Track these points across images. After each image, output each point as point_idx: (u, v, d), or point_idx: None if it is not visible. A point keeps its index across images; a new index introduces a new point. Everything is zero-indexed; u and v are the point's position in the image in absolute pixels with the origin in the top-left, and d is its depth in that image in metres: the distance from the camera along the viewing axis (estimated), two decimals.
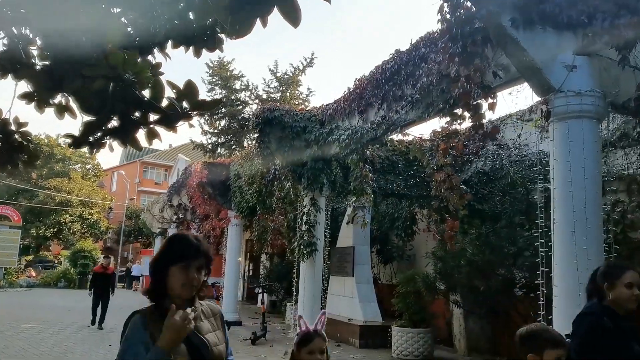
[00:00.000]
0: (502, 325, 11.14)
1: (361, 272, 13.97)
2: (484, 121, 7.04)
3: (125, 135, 3.09)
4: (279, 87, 36.44)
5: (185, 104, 2.79)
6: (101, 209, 46.48)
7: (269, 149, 10.68)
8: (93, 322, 14.30)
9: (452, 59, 5.08)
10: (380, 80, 8.39)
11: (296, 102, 36.64)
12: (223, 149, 36.68)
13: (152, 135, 3.02)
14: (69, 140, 3.24)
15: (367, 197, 8.61)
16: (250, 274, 25.56)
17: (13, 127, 5.18)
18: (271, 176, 12.67)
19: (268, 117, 10.45)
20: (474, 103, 5.00)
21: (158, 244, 32.93)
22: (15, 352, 10.08)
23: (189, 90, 2.73)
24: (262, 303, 13.31)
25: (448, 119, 6.74)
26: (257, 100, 36.32)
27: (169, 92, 2.85)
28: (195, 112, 2.81)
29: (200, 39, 3.28)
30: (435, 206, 9.58)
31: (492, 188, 11.40)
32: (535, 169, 9.72)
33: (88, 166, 49.73)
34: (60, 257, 41.54)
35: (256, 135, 10.81)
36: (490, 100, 5.01)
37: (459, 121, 6.55)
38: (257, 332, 12.59)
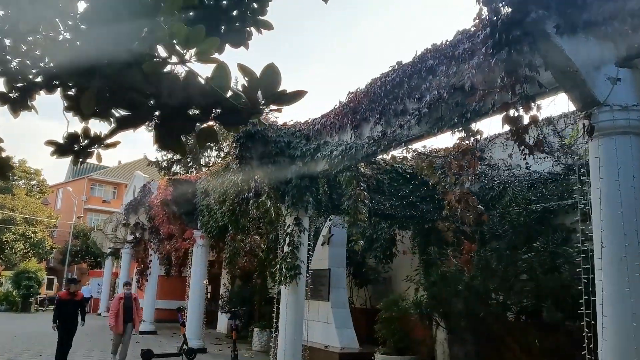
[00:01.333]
0: (488, 350, 10.78)
1: (337, 296, 13.38)
2: (478, 138, 6.69)
3: (170, 135, 2.44)
4: None
5: (259, 95, 2.19)
6: (46, 228, 44.09)
7: (249, 165, 10.04)
8: None
9: (494, 65, 4.66)
10: (378, 94, 7.94)
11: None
12: (179, 167, 35.55)
13: (208, 137, 2.39)
14: (51, 149, 2.63)
15: (363, 217, 8.09)
16: (208, 296, 24.50)
17: None
18: (246, 194, 11.98)
19: (250, 131, 9.83)
20: (516, 115, 4.57)
21: (108, 264, 31.32)
22: None
23: (270, 77, 2.13)
24: (233, 329, 12.49)
25: (460, 134, 6.34)
26: None
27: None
28: (273, 107, 2.20)
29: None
30: (447, 228, 9.16)
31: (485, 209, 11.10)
32: (532, 189, 9.50)
33: (33, 182, 47.30)
34: (0, 277, 39.03)
35: (235, 150, 10.13)
36: (533, 112, 4.60)
37: (474, 137, 6.15)
38: None
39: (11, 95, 5.05)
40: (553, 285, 7.87)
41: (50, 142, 4.74)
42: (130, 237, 23.31)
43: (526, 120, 4.59)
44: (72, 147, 5.26)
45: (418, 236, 11.95)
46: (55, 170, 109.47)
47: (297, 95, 2.27)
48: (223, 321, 21.25)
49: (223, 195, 13.49)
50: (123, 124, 2.46)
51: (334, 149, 8.74)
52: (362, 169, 8.92)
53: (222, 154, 35.36)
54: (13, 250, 40.46)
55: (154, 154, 36.99)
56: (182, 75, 2.13)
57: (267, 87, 2.17)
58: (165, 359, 12.95)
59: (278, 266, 9.86)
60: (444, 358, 11.41)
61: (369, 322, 14.55)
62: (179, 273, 21.85)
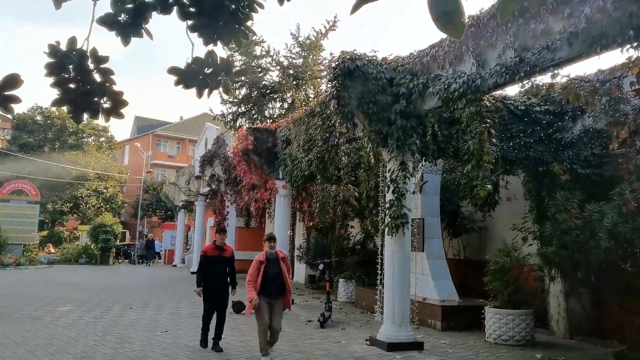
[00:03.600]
0: (610, 306, 9.79)
1: (432, 246, 12.54)
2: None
3: None
4: (300, 53, 34.69)
5: None
6: (117, 183, 45.18)
7: (348, 106, 9.16)
8: (204, 343, 8.62)
9: None
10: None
11: (320, 69, 35.04)
12: (244, 119, 35.13)
13: None
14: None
15: (489, 158, 7.11)
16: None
17: (91, 63, 3.62)
18: (337, 140, 11.16)
19: (349, 68, 8.91)
20: None
21: (181, 217, 31.65)
22: (64, 343, 8.77)
23: None
24: (327, 281, 11.92)
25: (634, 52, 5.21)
26: (278, 67, 34.68)
27: None
28: None
29: None
30: (562, 171, 8.03)
31: (602, 150, 9.90)
32: None
33: (102, 139, 48.24)
34: (76, 232, 40.45)
35: (332, 90, 9.25)
36: None
37: None
38: (324, 314, 11.25)
39: (120, 18, 4.18)
40: None
41: (172, 71, 3.85)
42: (205, 190, 23.17)
43: None
44: (197, 76, 4.33)
45: (530, 181, 10.84)
46: (120, 127, 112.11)
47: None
48: (301, 271, 20.97)
49: (308, 142, 12.75)
50: None
51: (452, 82, 7.72)
52: (487, 103, 7.86)
53: (285, 105, 34.72)
54: (87, 206, 41.75)
55: (219, 107, 36.67)
56: None
57: None
58: None
59: (381, 215, 9.06)
60: (558, 312, 10.48)
61: (463, 274, 13.75)
62: (260, 224, 21.61)
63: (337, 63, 9.02)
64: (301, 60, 34.88)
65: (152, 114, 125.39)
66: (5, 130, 51.06)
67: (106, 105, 4.19)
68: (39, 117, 45.70)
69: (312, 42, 34.65)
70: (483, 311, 10.13)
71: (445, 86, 7.79)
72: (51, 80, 3.55)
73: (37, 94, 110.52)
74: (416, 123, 8.80)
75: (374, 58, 9.17)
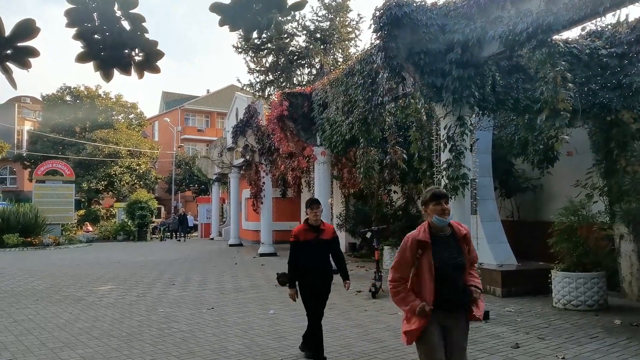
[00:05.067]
0: None
1: (485, 208, 11.77)
2: None
3: None
4: (327, 15, 33.57)
5: None
6: (149, 159, 45.14)
7: (396, 59, 8.35)
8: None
9: None
10: None
11: (347, 31, 33.90)
12: (273, 88, 34.34)
13: None
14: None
15: (566, 105, 6.26)
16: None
17: (118, 9, 2.92)
18: (382, 98, 10.34)
19: (396, 15, 8.06)
20: None
21: (215, 190, 31.35)
22: (108, 325, 8.37)
23: None
24: (376, 249, 11.27)
25: None
26: (304, 32, 33.68)
27: None
28: None
29: None
30: (633, 119, 7.12)
31: None
32: None
33: (131, 115, 48.12)
34: (112, 209, 40.68)
35: (377, 40, 8.43)
36: None
37: None
38: (375, 284, 10.66)
39: None
40: None
41: (215, 8, 3.03)
42: (238, 161, 22.67)
43: None
44: (245, 13, 3.56)
45: (597, 132, 9.90)
46: (149, 103, 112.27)
47: None
48: (341, 240, 20.38)
49: (348, 104, 11.98)
50: None
51: (518, 22, 6.83)
52: (560, 44, 6.97)
53: (314, 71, 33.79)
54: (122, 183, 41.85)
55: (246, 77, 35.89)
56: None
57: None
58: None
59: (441, 175, 8.31)
60: (631, 272, 9.65)
61: (518, 235, 12.95)
62: (298, 194, 21.06)
63: (382, 10, 8.18)
64: (328, 23, 33.81)
65: (180, 88, 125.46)
66: (36, 112, 51.38)
67: (138, 58, 3.56)
68: (68, 97, 45.71)
69: (338, 3, 33.47)
70: (549, 275, 9.37)
71: (511, 27, 6.91)
72: (73, 32, 2.91)
73: (65, 74, 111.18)
74: (474, 73, 7.96)
75: (423, 3, 8.29)
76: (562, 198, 11.98)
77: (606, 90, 9.21)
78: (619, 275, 9.88)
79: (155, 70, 3.93)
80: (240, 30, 3.11)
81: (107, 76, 3.05)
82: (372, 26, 8.36)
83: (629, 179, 7.79)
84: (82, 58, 2.91)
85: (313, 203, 6.23)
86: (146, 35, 3.43)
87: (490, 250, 11.29)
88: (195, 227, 36.22)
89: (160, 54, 4.04)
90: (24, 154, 45.75)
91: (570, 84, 6.59)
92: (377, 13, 8.32)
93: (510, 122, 11.74)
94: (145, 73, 3.94)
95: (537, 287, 10.33)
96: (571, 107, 6.55)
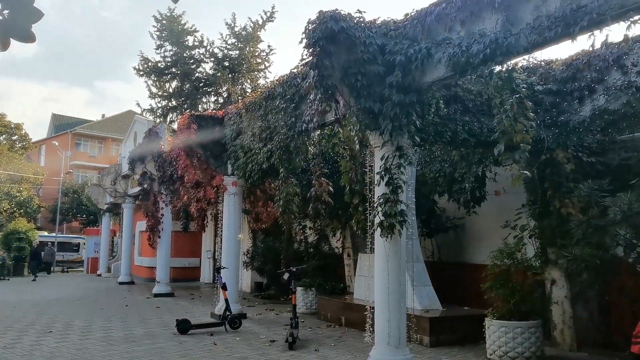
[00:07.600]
0: (622, 311, 8.65)
1: (409, 248, 10.97)
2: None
3: None
4: (236, 44, 32.52)
5: None
6: (31, 185, 41.08)
7: (330, 79, 7.41)
8: None
9: None
10: None
11: (257, 61, 33.04)
12: (175, 115, 32.53)
13: None
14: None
15: (525, 138, 5.58)
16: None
17: None
18: (305, 125, 9.34)
19: (332, 30, 7.14)
20: None
21: (106, 221, 28.73)
22: None
23: None
24: (293, 292, 10.06)
25: None
26: (212, 58, 32.41)
27: None
28: None
29: None
30: (567, 159, 6.65)
31: (611, 135, 8.69)
32: None
33: (14, 137, 43.84)
34: None
35: (309, 57, 7.46)
36: None
37: None
38: (292, 332, 9.41)
39: None
40: None
41: None
42: (134, 190, 20.69)
43: None
44: None
45: (530, 171, 9.47)
46: (37, 126, 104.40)
47: None
48: (246, 279, 18.98)
49: (267, 130, 10.88)
50: None
51: (472, 43, 6.12)
52: (517, 72, 6.34)
53: (220, 100, 32.46)
54: None
55: (147, 101, 33.85)
56: None
57: None
58: (207, 329, 10.62)
59: (376, 211, 7.36)
60: (563, 320, 9.17)
61: (439, 278, 12.30)
62: (202, 228, 19.39)
63: (316, 24, 7.23)
64: (237, 52, 32.76)
65: (71, 112, 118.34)
66: None
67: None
68: None
69: (249, 33, 32.56)
70: (481, 323, 8.66)
71: (463, 49, 6.20)
72: None
73: None
74: (416, 99, 7.18)
75: (361, 19, 7.46)
76: (486, 239, 11.53)
77: (542, 127, 8.82)
78: (549, 323, 9.38)
79: (30, 38, 2.81)
80: None
81: None
82: (304, 41, 7.38)
83: (576, 222, 7.26)
84: None
85: None
86: None
87: (415, 294, 10.48)
88: (49, 264, 31.26)
89: (37, 14, 2.84)
90: None
91: (531, 114, 5.96)
92: (311, 27, 7.35)
93: (435, 159, 11.20)
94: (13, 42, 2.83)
95: (466, 335, 9.65)
96: (531, 139, 5.89)
